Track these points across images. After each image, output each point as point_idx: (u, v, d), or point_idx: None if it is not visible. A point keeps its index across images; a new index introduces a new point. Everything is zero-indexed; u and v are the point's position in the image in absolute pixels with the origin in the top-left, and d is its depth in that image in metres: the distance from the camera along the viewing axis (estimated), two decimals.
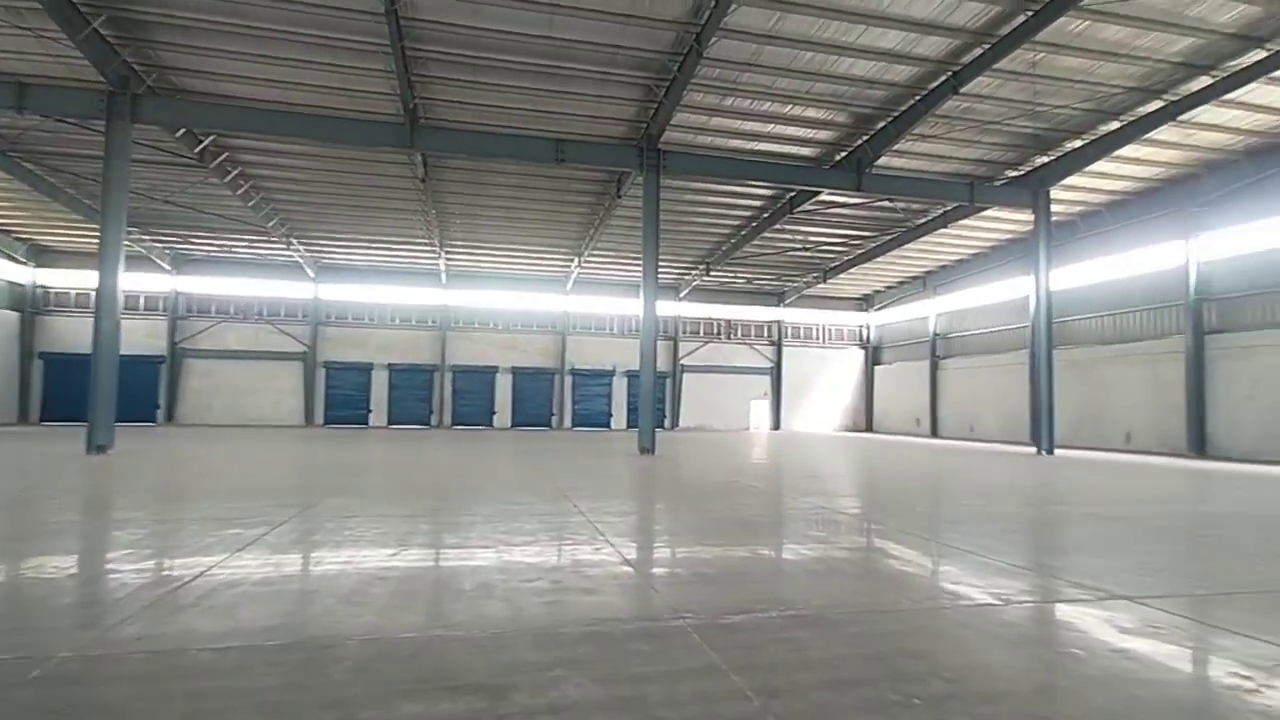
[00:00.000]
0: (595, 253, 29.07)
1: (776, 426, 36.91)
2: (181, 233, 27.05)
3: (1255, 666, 3.23)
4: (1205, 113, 16.45)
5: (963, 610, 4.14)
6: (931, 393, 33.12)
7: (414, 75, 15.24)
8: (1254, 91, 15.43)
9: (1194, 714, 2.83)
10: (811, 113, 17.22)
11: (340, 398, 32.22)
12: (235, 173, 20.63)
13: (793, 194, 22.10)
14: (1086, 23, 13.49)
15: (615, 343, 34.96)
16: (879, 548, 6.08)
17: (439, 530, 6.48)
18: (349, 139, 16.71)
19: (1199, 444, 20.08)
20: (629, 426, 33.54)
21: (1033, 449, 20.66)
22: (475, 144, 17.23)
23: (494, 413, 33.56)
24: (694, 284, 33.74)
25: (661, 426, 34.42)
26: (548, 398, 34.35)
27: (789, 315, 37.74)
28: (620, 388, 34.86)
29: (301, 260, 30.02)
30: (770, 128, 17.97)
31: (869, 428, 37.98)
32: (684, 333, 36.34)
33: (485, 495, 8.96)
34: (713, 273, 31.82)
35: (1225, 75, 14.86)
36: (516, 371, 33.91)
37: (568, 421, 34.28)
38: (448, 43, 14.25)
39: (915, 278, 33.93)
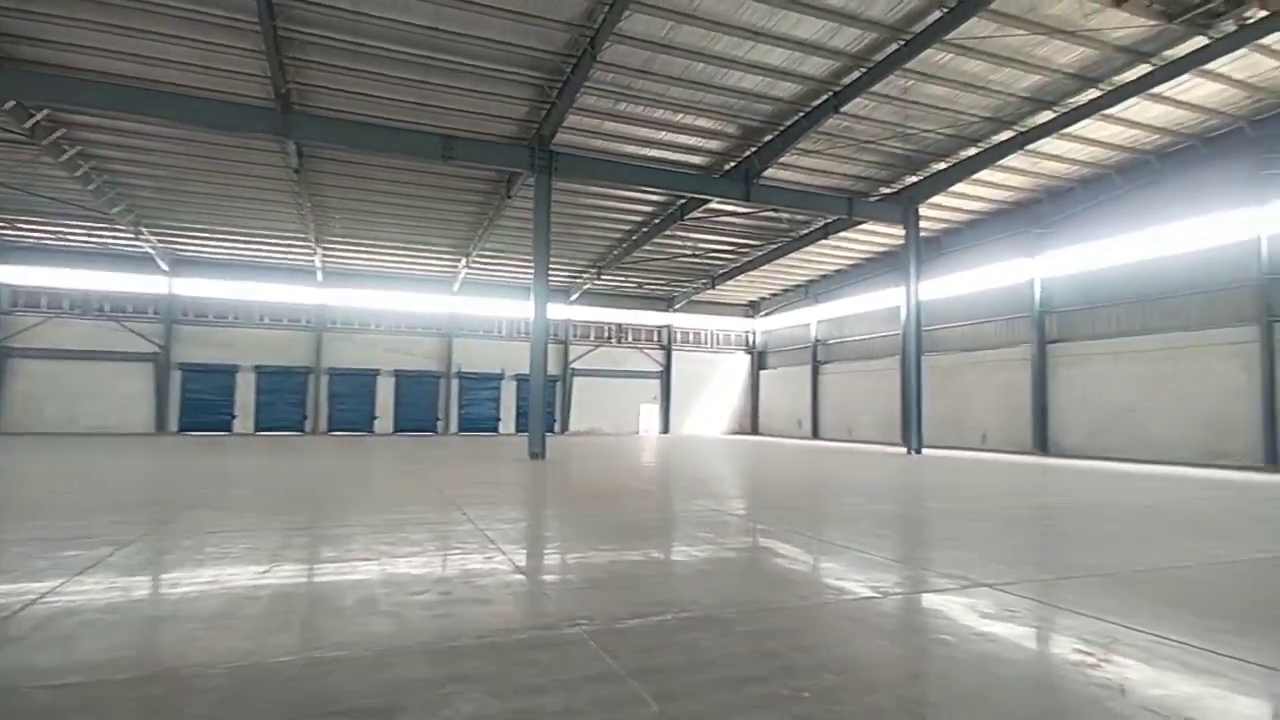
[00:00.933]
0: (484, 253, 28.46)
1: (666, 430, 37.52)
2: (7, 217, 24.04)
3: (1094, 643, 3.58)
4: (1048, 144, 18.27)
5: (846, 604, 4.34)
6: (813, 396, 34.77)
7: (287, 58, 14.30)
8: (1089, 126, 17.31)
9: (1046, 689, 3.10)
10: (703, 122, 17.66)
11: (199, 402, 29.65)
12: (73, 152, 18.55)
13: (684, 201, 22.57)
14: (951, 55, 14.63)
15: (504, 346, 34.35)
16: (767, 547, 6.28)
17: (315, 544, 6.08)
18: (212, 122, 15.41)
19: (1042, 442, 22.21)
20: (518, 431, 33.03)
21: (904, 449, 22.11)
22: (355, 135, 16.40)
23: (375, 417, 32.06)
24: (585, 288, 33.73)
25: (551, 431, 34.13)
26: (433, 402, 33.22)
27: (679, 320, 38.49)
28: (509, 391, 34.28)
29: (153, 252, 27.36)
30: (663, 135, 18.27)
31: (754, 430, 39.35)
32: (575, 336, 36.24)
33: (366, 505, 8.52)
34: (604, 277, 31.94)
35: (1065, 111, 16.56)
36: (400, 375, 32.55)
37: (454, 426, 33.30)
38: (326, 26, 13.48)
39: (799, 286, 35.53)
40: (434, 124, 17.07)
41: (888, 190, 22.15)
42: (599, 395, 36.35)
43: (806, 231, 26.33)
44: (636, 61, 14.85)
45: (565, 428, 35.49)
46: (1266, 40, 13.40)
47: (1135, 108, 16.45)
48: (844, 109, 16.24)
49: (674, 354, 38.15)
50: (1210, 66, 14.48)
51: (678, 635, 3.62)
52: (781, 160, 19.20)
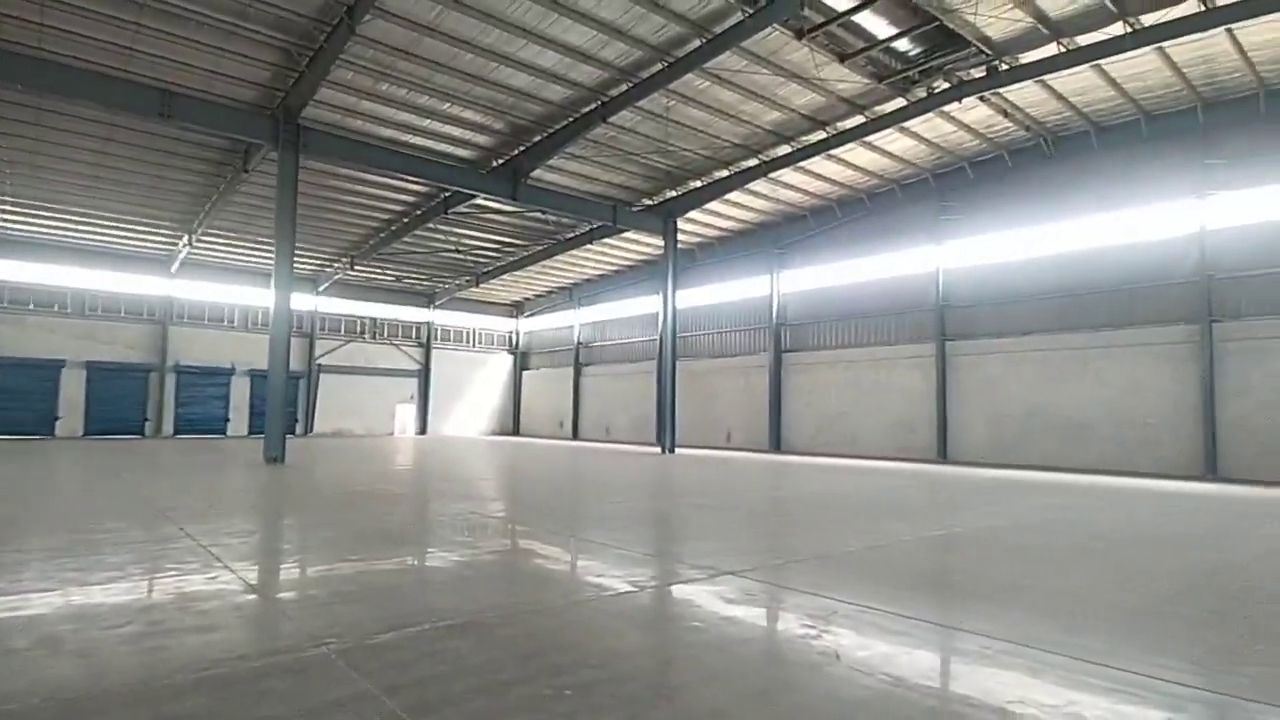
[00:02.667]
0: (213, 232, 24.92)
1: (424, 431, 35.90)
2: None
3: (816, 617, 4.07)
4: (787, 174, 20.65)
5: (606, 600, 4.46)
6: (574, 398, 35.56)
7: None
8: (818, 163, 19.87)
9: (777, 661, 3.45)
10: (470, 115, 17.19)
11: None
12: None
13: (448, 194, 21.77)
14: (708, 83, 15.89)
15: (237, 337, 30.34)
16: (528, 548, 6.25)
17: None
18: None
19: (777, 441, 25.01)
20: (252, 432, 29.33)
21: (658, 448, 23.50)
22: (40, 75, 13.37)
23: (57, 418, 26.40)
24: (336, 278, 31.05)
25: (293, 433, 30.89)
26: (141, 400, 28.22)
27: (440, 317, 37.06)
28: (242, 389, 30.31)
29: None
30: (428, 123, 17.45)
31: (516, 431, 39.22)
32: (322, 330, 33.16)
33: (45, 524, 6.95)
34: (358, 267, 29.68)
35: (800, 147, 18.84)
36: (94, 367, 27.17)
37: (170, 427, 28.63)
38: None
39: (563, 288, 36.14)
40: (149, 75, 14.54)
41: (650, 202, 23.42)
42: (350, 394, 33.67)
43: (572, 235, 26.87)
44: (400, 41, 14.00)
45: (310, 429, 32.33)
46: (948, 108, 16.44)
47: (852, 152, 19.25)
48: (611, 119, 16.84)
49: (434, 352, 36.64)
50: (908, 124, 17.41)
51: (437, 644, 3.43)
52: (550, 163, 19.40)
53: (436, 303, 36.30)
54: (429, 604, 4.26)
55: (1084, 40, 13.76)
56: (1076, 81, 15.63)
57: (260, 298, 29.68)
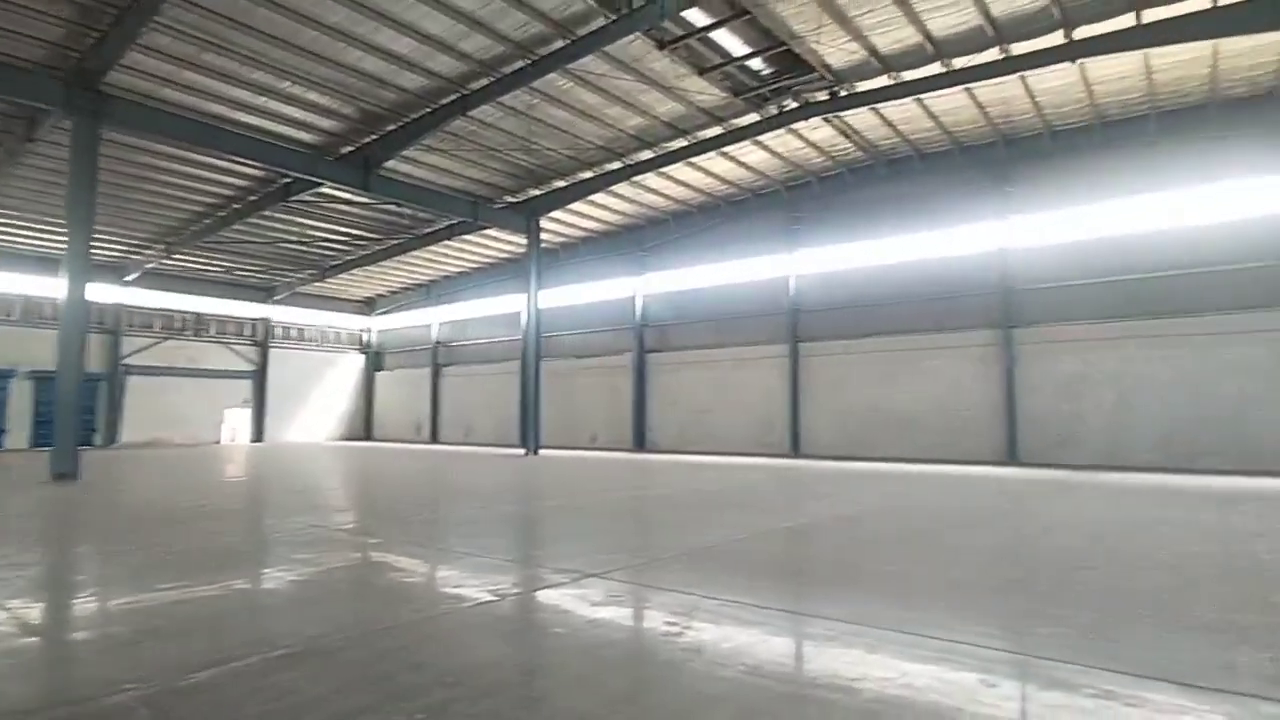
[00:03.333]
0: None
1: (260, 438, 32.99)
2: None
3: (679, 614, 4.08)
4: (650, 179, 21.00)
5: (464, 612, 4.23)
6: (433, 400, 34.16)
7: None
8: (679, 169, 20.36)
9: (642, 662, 3.41)
10: (315, 97, 15.98)
11: None
12: None
13: (289, 180, 20.14)
14: (571, 84, 15.79)
15: (16, 333, 26.11)
16: (380, 562, 5.84)
17: None
18: None
19: (641, 441, 25.34)
20: (37, 445, 25.43)
21: (522, 450, 23.06)
22: None
23: None
24: (149, 266, 27.74)
25: (91, 444, 27.30)
26: None
27: (279, 313, 34.19)
28: (23, 393, 26.16)
29: None
30: (264, 101, 16.01)
31: (369, 435, 37.09)
32: (131, 326, 29.41)
33: None
34: (178, 256, 26.75)
35: (662, 153, 19.21)
36: None
37: None
38: None
39: (420, 285, 34.63)
40: None
41: (513, 199, 22.96)
42: (168, 398, 30.17)
43: (430, 230, 25.82)
44: (231, 9, 12.71)
45: (115, 439, 28.63)
46: (797, 126, 17.40)
47: (711, 161, 19.91)
48: (472, 113, 16.32)
49: (272, 351, 33.75)
50: (761, 138, 18.26)
51: (269, 678, 3.07)
52: (406, 154, 18.49)
53: (276, 298, 33.50)
54: (261, 632, 3.83)
55: (909, 75, 15.07)
56: (903, 112, 17.09)
57: (50, 288, 25.84)
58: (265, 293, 33.30)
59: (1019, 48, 13.86)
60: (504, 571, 5.33)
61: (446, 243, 26.25)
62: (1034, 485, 12.35)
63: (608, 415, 26.70)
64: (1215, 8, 12.19)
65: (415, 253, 27.78)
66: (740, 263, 23.64)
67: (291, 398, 34.27)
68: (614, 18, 13.17)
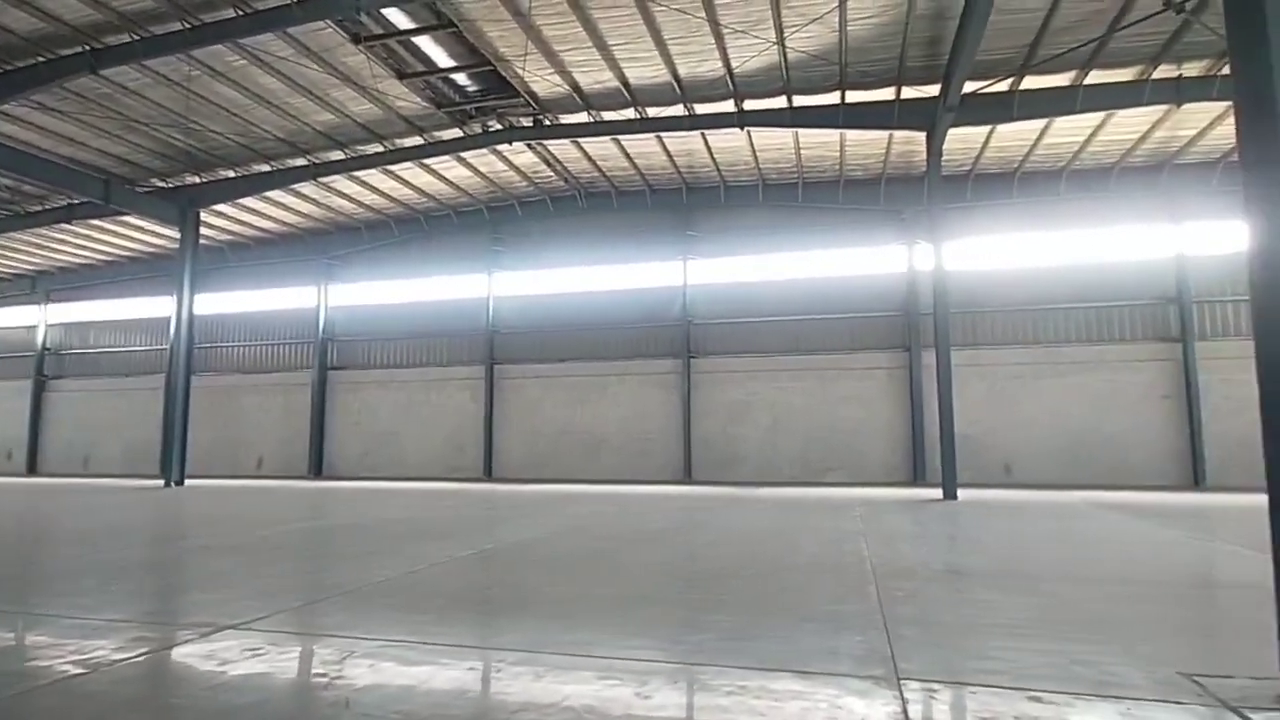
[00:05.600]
0: None
1: None
2: None
3: (331, 662, 3.60)
4: (340, 181, 19.34)
5: (35, 694, 3.22)
6: (33, 419, 27.05)
7: None
8: (374, 176, 19.08)
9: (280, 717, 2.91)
10: None
11: None
12: None
13: None
14: (245, 62, 13.92)
15: None
16: None
17: None
18: None
19: (318, 466, 22.88)
20: None
21: (162, 481, 19.27)
22: None
23: None
24: None
25: None
26: None
27: None
28: None
29: None
30: None
31: None
32: None
33: None
34: None
35: (355, 156, 17.85)
36: None
37: None
38: None
39: (22, 276, 27.40)
40: None
41: (163, 184, 19.43)
42: None
43: (40, 209, 20.61)
44: None
45: None
46: (501, 147, 17.51)
47: (410, 171, 19.07)
48: (106, 72, 13.47)
49: None
50: (465, 155, 18.01)
51: None
52: (8, 110, 14.55)
53: None
54: None
55: (609, 116, 16.19)
56: (603, 149, 18.30)
57: None
58: None
59: (701, 108, 15.71)
60: (111, 633, 4.24)
61: (65, 226, 21.23)
62: (704, 501, 13.79)
63: (279, 438, 23.77)
64: (843, 104, 15.15)
65: (16, 233, 21.94)
66: (437, 280, 22.98)
67: None
68: None
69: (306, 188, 19.59)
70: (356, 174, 18.62)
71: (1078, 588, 5.50)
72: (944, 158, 15.31)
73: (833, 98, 15.03)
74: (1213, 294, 17.44)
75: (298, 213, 22.00)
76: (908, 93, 14.54)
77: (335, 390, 23.59)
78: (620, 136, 16.76)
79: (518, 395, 21.61)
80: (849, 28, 12.69)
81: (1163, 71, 13.59)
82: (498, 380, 21.90)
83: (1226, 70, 12.12)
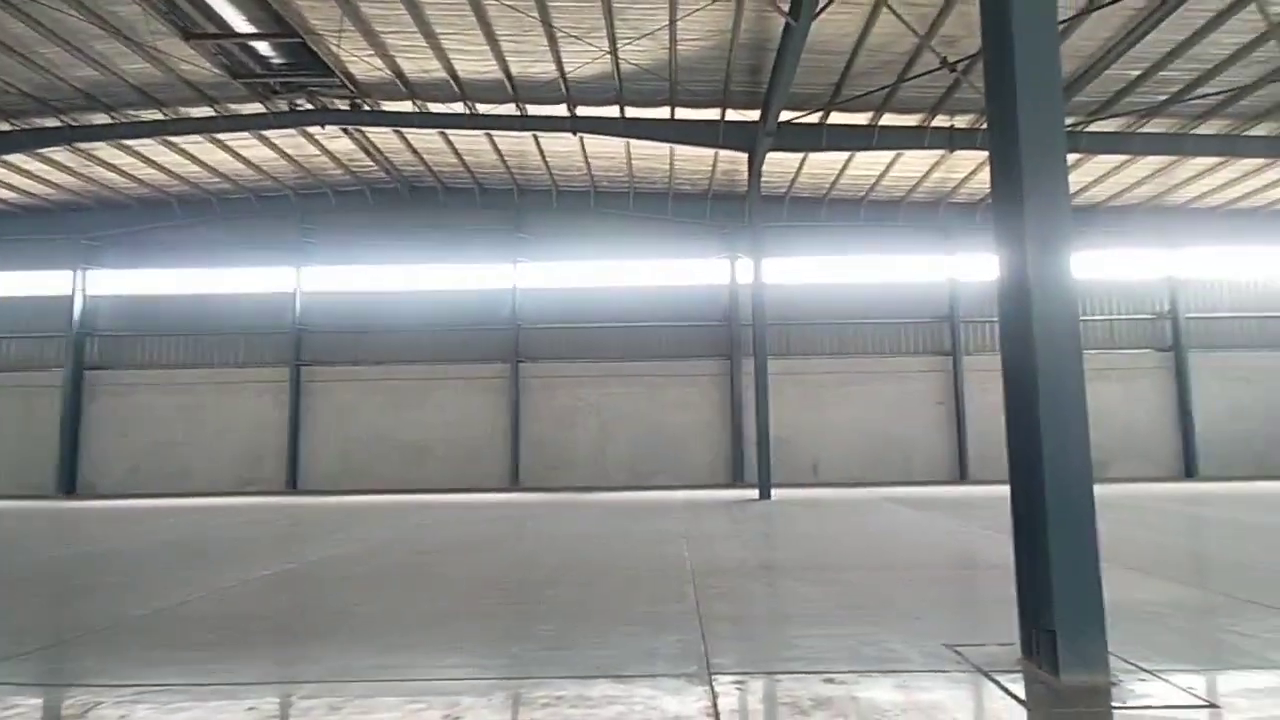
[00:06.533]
0: None
1: None
2: None
3: (70, 718, 2.98)
4: (105, 150, 16.70)
5: None
6: None
7: None
8: (151, 147, 16.63)
9: None
10: None
11: None
12: None
13: None
14: None
15: None
16: None
17: None
18: None
19: (70, 483, 19.62)
20: None
21: None
22: None
23: None
24: None
25: None
26: None
27: None
28: None
29: None
30: None
31: None
32: None
33: None
34: None
35: (126, 121, 15.47)
36: None
37: None
38: None
39: None
40: None
41: None
42: None
43: None
44: None
45: None
46: (312, 130, 16.06)
47: (200, 146, 16.92)
48: None
49: None
50: (269, 134, 16.31)
51: None
52: None
53: None
54: None
55: (435, 108, 15.42)
56: (428, 141, 17.43)
57: None
58: None
59: (534, 109, 15.44)
60: None
61: None
62: (532, 508, 13.51)
63: (16, 453, 19.97)
64: (673, 119, 15.60)
65: None
66: (234, 271, 20.63)
67: None
68: None
69: (60, 154, 16.68)
70: (127, 143, 16.11)
71: (870, 575, 6.00)
72: (764, 179, 16.37)
73: (663, 112, 15.47)
74: (976, 315, 20.17)
75: (48, 182, 18.60)
76: (732, 115, 15.34)
77: (95, 393, 20.16)
78: (448, 130, 16.06)
79: (329, 400, 19.90)
80: (679, 47, 13.12)
81: (940, 121, 15.50)
82: (305, 383, 20.03)
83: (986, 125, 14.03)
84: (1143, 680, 3.18)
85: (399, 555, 7.55)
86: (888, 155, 17.16)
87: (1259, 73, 13.09)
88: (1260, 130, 15.25)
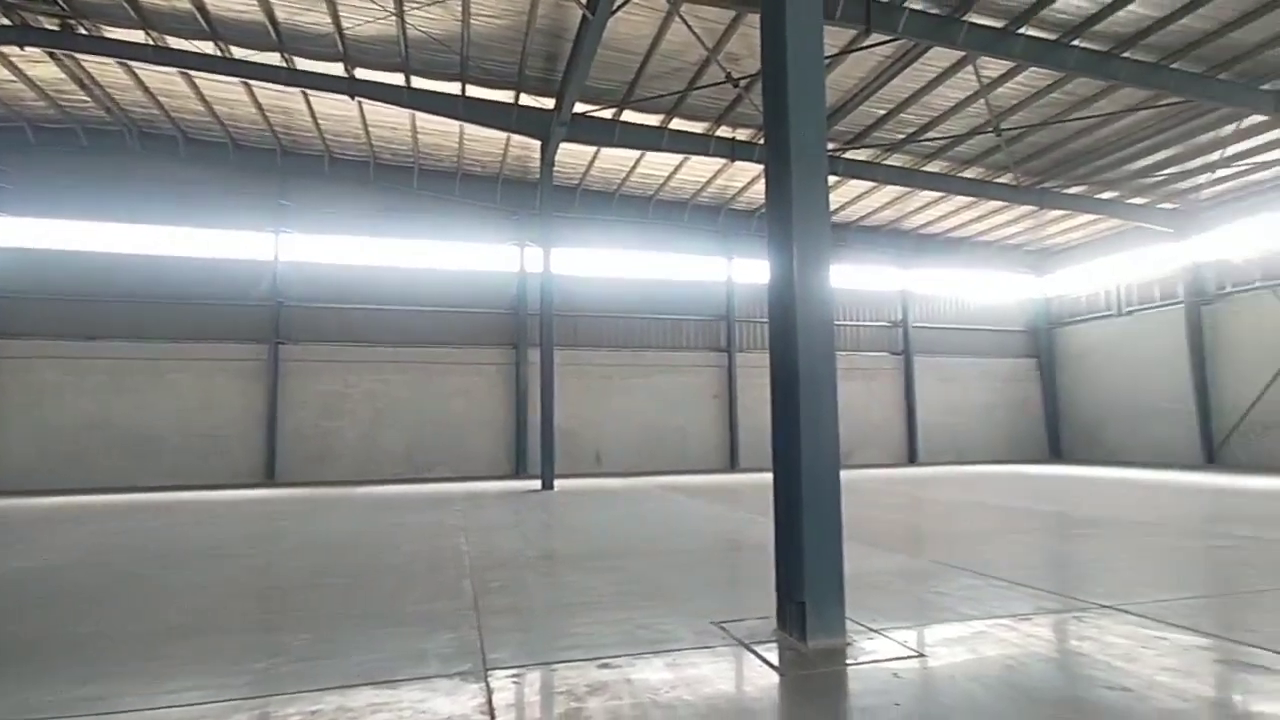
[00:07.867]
0: None
1: None
2: None
3: None
4: None
5: None
6: None
7: None
8: None
9: None
10: None
11: None
12: None
13: None
14: None
15: None
16: None
17: None
18: None
19: None
20: None
21: None
22: None
23: None
24: None
25: None
26: None
27: None
28: None
29: None
30: None
31: None
32: None
33: None
34: None
35: None
36: None
37: None
38: None
39: None
40: None
41: None
42: None
43: None
44: None
45: None
46: (8, 50, 13.00)
47: None
48: None
49: None
50: None
51: None
52: None
53: None
54: None
55: (175, 44, 13.26)
56: (166, 82, 14.93)
57: None
58: None
59: (304, 64, 13.89)
60: None
61: None
62: (290, 504, 12.23)
63: None
64: (464, 96, 14.90)
65: None
66: None
67: None
68: None
69: None
70: None
71: (645, 561, 6.23)
72: (556, 169, 16.25)
73: (454, 87, 14.73)
74: (749, 315, 21.97)
75: None
76: (526, 100, 15.04)
77: None
78: (192, 72, 13.84)
79: (20, 379, 16.27)
80: (473, 21, 12.56)
81: (724, 131, 16.57)
82: None
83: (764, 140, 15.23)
84: (870, 639, 3.63)
85: (115, 567, 6.39)
86: (676, 158, 17.99)
87: (970, 124, 15.72)
88: (969, 173, 18.35)
